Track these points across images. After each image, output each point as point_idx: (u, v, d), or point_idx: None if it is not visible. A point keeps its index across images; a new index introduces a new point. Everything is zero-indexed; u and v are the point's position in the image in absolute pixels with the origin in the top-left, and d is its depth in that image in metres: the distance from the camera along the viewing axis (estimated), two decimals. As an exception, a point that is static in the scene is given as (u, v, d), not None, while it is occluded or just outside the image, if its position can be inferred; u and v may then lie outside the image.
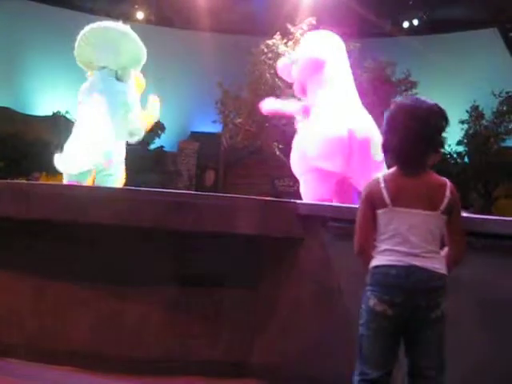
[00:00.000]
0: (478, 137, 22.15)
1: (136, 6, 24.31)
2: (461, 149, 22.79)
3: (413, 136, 2.88)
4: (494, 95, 21.67)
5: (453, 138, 22.50)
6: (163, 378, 4.25)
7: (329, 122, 5.51)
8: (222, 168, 20.52)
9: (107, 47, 5.79)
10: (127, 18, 24.37)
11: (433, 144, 2.96)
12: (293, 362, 4.28)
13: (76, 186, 5.10)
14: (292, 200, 4.35)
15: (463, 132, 22.55)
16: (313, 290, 4.25)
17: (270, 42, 18.24)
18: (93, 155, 5.46)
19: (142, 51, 5.99)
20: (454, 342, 3.62)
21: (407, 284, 2.80)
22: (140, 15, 24.31)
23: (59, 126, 22.78)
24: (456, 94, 23.34)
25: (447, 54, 24.14)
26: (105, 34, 5.80)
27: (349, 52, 17.86)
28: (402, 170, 2.94)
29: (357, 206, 4.17)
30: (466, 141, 22.57)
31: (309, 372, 4.19)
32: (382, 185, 2.91)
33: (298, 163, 5.75)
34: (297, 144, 5.82)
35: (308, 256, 4.27)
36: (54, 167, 19.72)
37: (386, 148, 3.00)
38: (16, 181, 7.42)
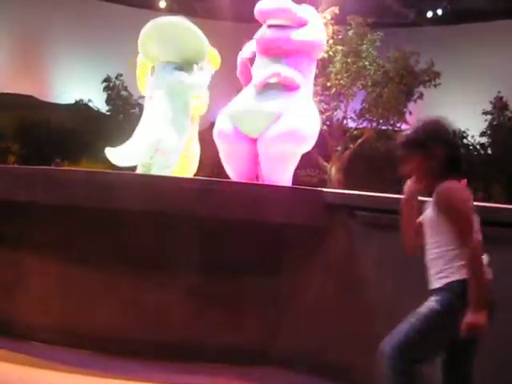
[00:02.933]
0: (501, 128, 21.94)
1: (158, -5, 24.34)
2: (484, 140, 22.59)
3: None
4: (519, 86, 21.43)
5: (476, 129, 22.33)
6: (187, 363, 4.26)
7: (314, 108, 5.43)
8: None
9: (171, 43, 5.82)
10: (149, 7, 24.48)
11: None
12: (317, 349, 4.27)
13: (103, 172, 5.11)
14: (319, 188, 4.33)
15: (487, 123, 22.34)
16: (338, 278, 4.25)
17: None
18: (140, 148, 5.50)
19: (204, 45, 5.97)
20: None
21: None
22: (162, 4, 24.32)
23: (81, 113, 23.01)
24: (479, 84, 23.14)
25: (471, 44, 23.95)
26: (168, 29, 5.84)
27: (372, 41, 17.83)
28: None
29: (384, 196, 4.18)
30: (489, 132, 22.37)
31: (332, 360, 4.20)
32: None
33: (270, 143, 5.37)
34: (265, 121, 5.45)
35: (334, 245, 4.26)
36: (76, 154, 19.65)
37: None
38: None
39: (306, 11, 5.54)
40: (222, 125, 5.24)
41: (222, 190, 4.16)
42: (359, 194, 4.19)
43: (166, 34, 5.83)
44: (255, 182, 4.82)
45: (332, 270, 4.27)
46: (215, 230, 4.22)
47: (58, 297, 4.55)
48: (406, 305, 3.96)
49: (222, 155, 5.33)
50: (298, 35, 5.31)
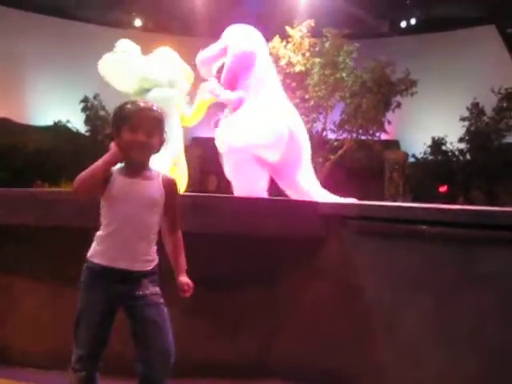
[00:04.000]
0: (479, 134, 22.21)
1: (134, 14, 24.38)
2: (462, 146, 22.84)
3: None
4: (494, 92, 21.71)
5: (454, 135, 22.57)
6: (184, 379, 4.22)
7: (271, 115, 5.48)
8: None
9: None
10: (125, 26, 24.54)
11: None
12: (315, 360, 4.27)
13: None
14: (314, 200, 4.34)
15: (464, 129, 22.60)
16: (334, 288, 4.25)
17: (269, 45, 18.31)
18: None
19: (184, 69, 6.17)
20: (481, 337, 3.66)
21: None
22: (138, 22, 24.38)
23: (60, 135, 22.93)
24: (456, 91, 23.42)
25: (446, 52, 24.24)
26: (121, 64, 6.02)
27: (348, 52, 17.99)
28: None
29: (378, 204, 4.20)
30: (467, 138, 22.64)
31: (331, 369, 4.19)
32: None
33: (229, 154, 5.60)
34: (224, 135, 5.70)
35: (329, 255, 4.28)
36: (55, 175, 19.60)
37: None
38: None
39: (222, 41, 5.95)
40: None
41: (215, 205, 4.15)
42: (353, 204, 4.21)
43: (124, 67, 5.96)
44: (248, 196, 4.81)
45: (328, 279, 4.27)
46: (209, 244, 4.20)
47: (50, 319, 4.49)
48: (402, 310, 4.02)
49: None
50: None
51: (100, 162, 2.92)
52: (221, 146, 5.64)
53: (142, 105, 3.04)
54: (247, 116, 5.49)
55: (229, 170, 5.57)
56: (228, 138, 5.47)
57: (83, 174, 2.90)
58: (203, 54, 5.98)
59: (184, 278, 3.15)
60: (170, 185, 3.05)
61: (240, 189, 5.42)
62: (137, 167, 3.02)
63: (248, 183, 5.39)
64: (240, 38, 5.84)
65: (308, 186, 5.60)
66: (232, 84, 5.77)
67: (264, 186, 5.44)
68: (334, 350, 4.21)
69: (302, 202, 4.55)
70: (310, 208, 4.32)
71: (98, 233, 3.00)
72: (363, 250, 4.14)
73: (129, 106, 3.02)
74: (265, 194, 5.36)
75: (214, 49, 5.91)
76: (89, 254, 3.01)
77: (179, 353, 4.27)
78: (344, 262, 4.21)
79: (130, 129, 2.95)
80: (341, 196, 5.61)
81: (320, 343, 4.28)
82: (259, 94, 5.59)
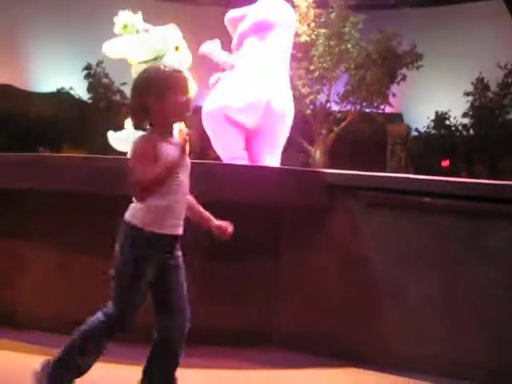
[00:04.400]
0: (483, 109, 22.11)
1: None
2: (466, 121, 22.76)
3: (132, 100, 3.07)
4: (500, 67, 21.57)
5: (458, 110, 22.47)
6: (188, 347, 4.25)
7: (252, 83, 5.57)
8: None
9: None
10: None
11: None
12: (319, 330, 4.29)
13: (102, 157, 5.06)
14: (318, 169, 4.33)
15: (468, 104, 22.49)
16: (340, 258, 4.26)
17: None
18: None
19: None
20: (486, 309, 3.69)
21: None
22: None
23: (63, 102, 22.84)
24: (461, 66, 23.27)
25: (452, 26, 24.03)
26: None
27: (354, 24, 17.85)
28: None
29: (387, 175, 4.20)
30: (471, 113, 22.54)
31: (336, 338, 4.23)
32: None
33: (213, 113, 5.70)
34: (215, 94, 5.79)
35: (334, 225, 4.28)
36: (58, 142, 19.47)
37: None
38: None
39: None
40: None
41: (220, 173, 4.15)
42: (359, 174, 4.20)
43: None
44: (255, 164, 4.81)
45: (333, 249, 4.28)
46: (214, 212, 4.20)
47: (59, 285, 4.52)
48: (408, 282, 4.05)
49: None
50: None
51: (164, 170, 2.85)
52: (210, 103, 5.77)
53: (177, 68, 3.06)
54: (230, 81, 5.65)
55: (209, 134, 5.79)
56: (206, 101, 5.73)
57: (148, 184, 2.84)
58: (231, 13, 6.11)
59: (219, 221, 3.21)
60: (184, 148, 3.05)
61: (219, 150, 5.71)
62: (171, 132, 3.03)
63: (224, 143, 5.63)
64: (261, 5, 5.88)
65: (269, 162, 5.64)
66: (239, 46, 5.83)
67: (241, 146, 5.59)
68: (338, 319, 4.24)
69: (308, 171, 4.54)
70: (315, 177, 4.31)
71: (152, 202, 2.91)
72: (371, 221, 4.15)
73: (165, 70, 2.99)
74: (244, 154, 5.49)
75: (242, 11, 5.94)
76: (141, 223, 2.93)
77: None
78: (351, 232, 4.22)
79: (180, 91, 2.94)
80: (343, 168, 5.67)
81: (324, 312, 4.30)
82: (253, 62, 5.63)
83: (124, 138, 5.56)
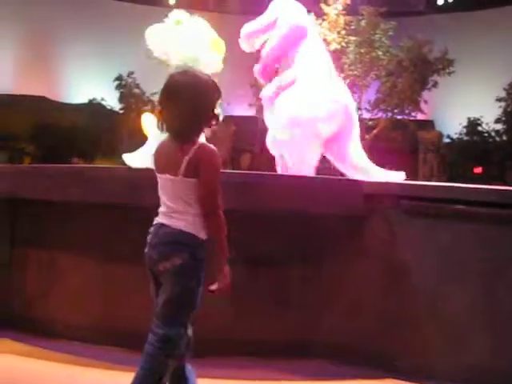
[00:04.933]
0: (516, 114, 21.85)
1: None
2: (499, 127, 22.49)
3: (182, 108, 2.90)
4: (532, 72, 21.32)
5: (490, 115, 22.22)
6: (227, 357, 4.23)
7: (326, 89, 5.55)
8: (258, 150, 20.57)
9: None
10: (159, 3, 24.50)
11: (205, 119, 2.97)
12: (360, 340, 4.24)
13: (135, 169, 5.09)
14: (358, 179, 4.30)
15: (501, 110, 22.23)
16: (380, 268, 4.21)
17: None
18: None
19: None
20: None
21: (152, 239, 3.00)
22: (172, 0, 24.35)
23: (95, 112, 23.10)
24: (493, 71, 23.02)
25: (483, 30, 23.79)
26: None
27: (385, 31, 17.74)
28: (169, 139, 3.00)
29: (425, 183, 4.15)
30: (503, 119, 22.28)
31: (374, 351, 4.17)
32: (154, 153, 3.07)
33: (288, 127, 5.57)
34: (285, 107, 5.67)
35: (374, 234, 4.23)
36: (90, 152, 19.70)
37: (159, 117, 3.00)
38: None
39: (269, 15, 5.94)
40: None
41: (261, 183, 4.13)
42: (399, 183, 4.17)
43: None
44: (292, 175, 4.79)
45: (374, 259, 4.24)
46: (254, 222, 4.20)
47: (96, 295, 4.54)
48: (448, 292, 3.98)
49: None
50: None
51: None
52: (278, 120, 5.66)
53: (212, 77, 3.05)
54: (304, 90, 5.53)
55: (283, 144, 5.62)
56: (288, 111, 5.52)
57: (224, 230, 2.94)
58: (249, 27, 5.93)
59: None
60: None
61: (294, 163, 5.49)
62: None
63: (303, 158, 5.48)
64: (291, 12, 5.79)
65: (359, 160, 5.64)
66: (279, 57, 5.75)
67: (315, 164, 5.55)
68: (378, 330, 4.19)
69: (347, 180, 4.51)
70: (354, 187, 4.28)
71: (198, 211, 2.94)
72: (410, 230, 4.11)
73: (211, 79, 3.00)
74: (313, 172, 5.44)
75: (260, 22, 5.85)
76: (201, 234, 2.95)
77: (224, 330, 4.32)
78: (390, 241, 4.17)
79: (216, 101, 2.99)
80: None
81: (364, 323, 4.26)
82: (311, 68, 5.58)
83: (140, 157, 5.51)
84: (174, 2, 24.22)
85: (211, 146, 2.94)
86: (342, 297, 4.34)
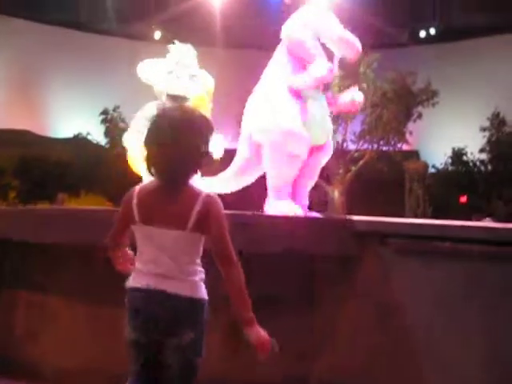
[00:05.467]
0: (500, 144, 22.03)
1: (153, 26, 24.53)
2: (483, 156, 22.66)
3: (177, 149, 2.59)
4: (515, 101, 21.55)
5: (475, 145, 22.40)
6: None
7: None
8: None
9: None
10: (144, 38, 24.67)
11: (201, 160, 2.69)
12: (355, 378, 4.20)
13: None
14: (347, 216, 4.29)
15: (485, 140, 22.43)
16: (373, 307, 4.18)
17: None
18: None
19: None
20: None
21: (145, 307, 2.64)
22: (157, 35, 24.52)
23: (81, 147, 23.04)
24: (476, 101, 23.27)
25: (466, 61, 24.11)
26: None
27: (369, 63, 17.88)
28: (159, 184, 2.69)
29: (417, 221, 4.15)
30: (488, 148, 22.46)
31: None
32: (135, 200, 2.67)
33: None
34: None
35: (366, 273, 4.21)
36: (76, 187, 19.69)
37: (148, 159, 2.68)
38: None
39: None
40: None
41: (251, 224, 4.10)
42: (390, 222, 4.16)
43: None
44: (281, 214, 4.75)
45: (366, 298, 4.20)
46: (249, 262, 4.16)
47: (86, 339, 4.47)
48: (442, 330, 3.96)
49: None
50: None
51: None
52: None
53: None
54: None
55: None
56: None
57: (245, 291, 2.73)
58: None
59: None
60: None
61: (275, 180, 5.10)
62: None
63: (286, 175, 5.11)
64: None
65: None
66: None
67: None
68: (372, 369, 4.15)
69: (337, 219, 4.50)
70: (345, 225, 4.26)
71: (201, 267, 2.75)
72: (403, 269, 4.09)
73: (208, 118, 2.77)
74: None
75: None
76: (206, 294, 2.75)
77: (215, 373, 4.26)
78: (383, 281, 4.15)
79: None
80: (362, 208, 5.52)
81: (358, 362, 4.21)
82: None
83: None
84: (159, 37, 24.40)
85: (214, 193, 2.71)
86: (337, 336, 4.30)
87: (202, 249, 2.74)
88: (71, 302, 4.51)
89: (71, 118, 25.61)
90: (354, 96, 5.40)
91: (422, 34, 25.54)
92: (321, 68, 5.03)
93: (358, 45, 5.28)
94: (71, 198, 20.19)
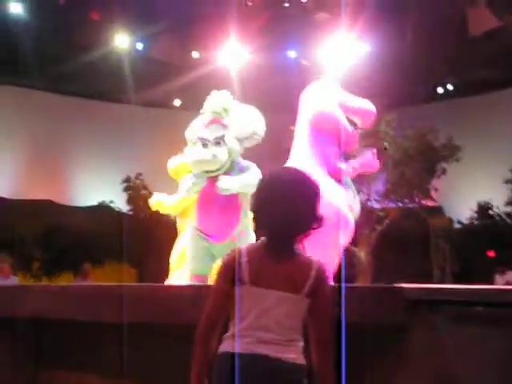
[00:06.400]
0: (525, 196, 21.83)
1: (172, 94, 24.85)
2: (510, 209, 22.43)
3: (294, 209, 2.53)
4: (539, 151, 21.43)
5: (499, 198, 22.17)
6: None
7: None
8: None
9: None
10: (164, 105, 24.97)
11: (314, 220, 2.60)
12: None
13: (165, 286, 5.00)
14: (397, 284, 4.13)
15: (510, 192, 22.24)
16: (426, 379, 3.98)
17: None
18: None
19: None
20: None
21: (251, 376, 2.47)
22: (177, 102, 24.83)
23: (104, 215, 23.09)
24: (498, 154, 23.11)
25: (486, 114, 24.04)
26: None
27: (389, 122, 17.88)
28: (268, 245, 2.62)
29: (471, 287, 3.99)
30: (514, 200, 22.25)
31: None
32: (245, 259, 2.58)
33: None
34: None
35: (417, 343, 4.02)
36: (100, 256, 19.71)
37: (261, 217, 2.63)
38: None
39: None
40: None
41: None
42: (442, 288, 4.00)
43: None
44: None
45: (418, 369, 4.02)
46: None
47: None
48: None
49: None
50: None
51: None
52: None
53: None
54: None
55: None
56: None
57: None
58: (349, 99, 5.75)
59: None
60: None
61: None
62: None
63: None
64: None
65: None
66: None
67: None
68: None
69: (386, 287, 4.33)
70: (394, 293, 4.10)
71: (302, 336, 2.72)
72: (457, 338, 3.90)
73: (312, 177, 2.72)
74: None
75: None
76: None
77: None
78: (435, 350, 3.96)
79: None
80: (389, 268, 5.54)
81: None
82: None
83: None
84: (178, 103, 24.69)
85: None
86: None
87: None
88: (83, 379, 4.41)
89: (95, 187, 25.76)
90: (366, 156, 5.53)
91: (440, 90, 25.59)
92: (374, 163, 5.49)
93: (374, 112, 5.48)
94: (95, 267, 20.08)
